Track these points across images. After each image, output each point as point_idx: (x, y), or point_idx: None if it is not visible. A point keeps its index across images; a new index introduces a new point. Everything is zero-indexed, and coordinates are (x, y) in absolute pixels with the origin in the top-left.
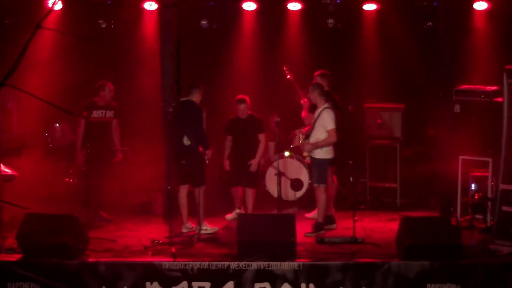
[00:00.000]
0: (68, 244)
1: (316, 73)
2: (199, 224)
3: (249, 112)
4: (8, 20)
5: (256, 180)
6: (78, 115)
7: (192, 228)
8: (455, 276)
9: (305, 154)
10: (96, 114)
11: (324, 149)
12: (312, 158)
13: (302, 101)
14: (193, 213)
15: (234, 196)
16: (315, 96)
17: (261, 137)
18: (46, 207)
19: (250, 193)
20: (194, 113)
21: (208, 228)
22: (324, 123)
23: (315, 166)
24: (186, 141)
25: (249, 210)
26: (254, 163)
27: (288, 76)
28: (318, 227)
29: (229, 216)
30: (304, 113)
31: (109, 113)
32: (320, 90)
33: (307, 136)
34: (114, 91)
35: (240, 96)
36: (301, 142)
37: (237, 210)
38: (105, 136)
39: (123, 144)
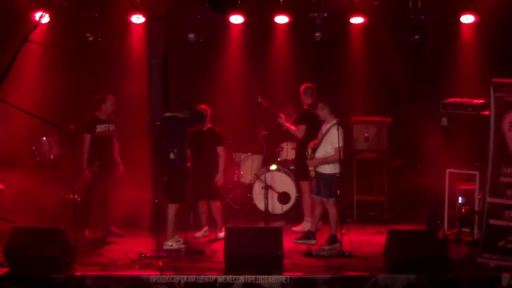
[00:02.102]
0: (55, 257)
1: (302, 87)
2: (167, 238)
3: (209, 125)
4: None
5: (218, 192)
6: (83, 130)
7: (173, 245)
8: None
9: (310, 168)
10: (99, 128)
11: (331, 164)
12: (320, 174)
13: (278, 119)
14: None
15: (199, 212)
16: (325, 113)
17: (220, 150)
18: (34, 221)
19: (215, 206)
20: (178, 128)
21: (173, 244)
22: (333, 140)
23: (323, 181)
24: (172, 156)
25: (219, 223)
26: (219, 178)
27: (264, 104)
28: (333, 239)
29: (198, 234)
30: (293, 127)
31: (111, 127)
32: (331, 107)
33: (314, 150)
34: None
35: (202, 106)
36: (308, 157)
37: (206, 229)
38: (109, 150)
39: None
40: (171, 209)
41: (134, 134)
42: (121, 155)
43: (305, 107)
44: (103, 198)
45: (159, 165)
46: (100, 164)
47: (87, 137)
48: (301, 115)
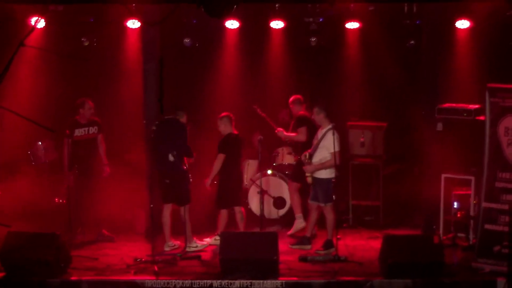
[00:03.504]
0: (51, 262)
1: (291, 99)
2: (188, 241)
3: (235, 131)
4: None
5: (221, 199)
6: (63, 135)
7: (175, 245)
8: None
9: (307, 175)
10: (78, 132)
11: (328, 168)
12: (316, 179)
13: (277, 132)
14: (178, 231)
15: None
16: (321, 118)
17: (217, 156)
18: (29, 225)
19: (220, 213)
20: (178, 131)
21: (198, 244)
22: (329, 145)
23: (319, 186)
24: (171, 158)
25: (218, 230)
26: (206, 182)
27: (262, 115)
28: (328, 244)
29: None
30: (293, 134)
31: (92, 129)
32: (325, 112)
33: (311, 156)
34: (97, 108)
35: (226, 114)
36: (306, 162)
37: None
38: (92, 153)
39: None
40: (187, 210)
41: (129, 138)
42: (116, 159)
43: (300, 112)
44: (90, 201)
45: (159, 168)
46: (82, 167)
47: (67, 141)
48: (299, 120)
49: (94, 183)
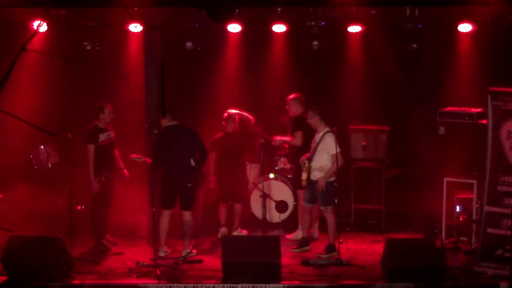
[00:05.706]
0: (53, 266)
1: (292, 96)
2: (187, 246)
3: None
4: None
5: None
6: (86, 141)
7: (168, 252)
8: None
9: (303, 178)
10: (102, 137)
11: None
12: (316, 182)
13: (273, 142)
14: (174, 235)
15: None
16: (315, 121)
17: None
18: (31, 229)
19: (219, 208)
20: (192, 135)
21: (192, 251)
22: (328, 148)
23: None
24: (193, 163)
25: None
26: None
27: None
28: (330, 248)
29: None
30: (289, 138)
31: (111, 134)
32: (320, 115)
33: (310, 161)
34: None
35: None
36: (304, 168)
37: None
38: (113, 157)
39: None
40: (189, 216)
41: (131, 142)
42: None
43: (300, 114)
44: (106, 207)
45: (178, 174)
46: (107, 173)
47: (91, 147)
48: (296, 123)
49: (113, 189)
